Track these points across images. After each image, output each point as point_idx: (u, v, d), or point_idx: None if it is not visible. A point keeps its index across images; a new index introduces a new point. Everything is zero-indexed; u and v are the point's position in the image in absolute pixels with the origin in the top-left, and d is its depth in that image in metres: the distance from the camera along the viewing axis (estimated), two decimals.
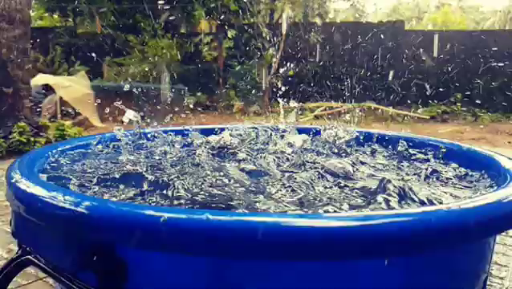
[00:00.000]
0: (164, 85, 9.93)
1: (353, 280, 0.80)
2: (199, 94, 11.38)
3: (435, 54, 11.13)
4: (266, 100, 11.28)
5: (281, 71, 11.65)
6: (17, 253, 0.98)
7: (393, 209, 0.94)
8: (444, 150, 1.45)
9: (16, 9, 6.00)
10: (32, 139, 5.91)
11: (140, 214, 0.76)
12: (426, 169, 1.29)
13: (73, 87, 8.52)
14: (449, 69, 11.07)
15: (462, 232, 0.85)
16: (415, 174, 1.28)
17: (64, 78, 9.69)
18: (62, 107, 8.23)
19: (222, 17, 12.07)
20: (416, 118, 10.23)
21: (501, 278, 2.55)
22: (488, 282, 1.08)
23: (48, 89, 8.33)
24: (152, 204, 0.98)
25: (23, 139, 5.81)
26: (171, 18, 11.79)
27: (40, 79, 8.42)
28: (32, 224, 0.90)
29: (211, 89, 11.52)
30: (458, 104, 10.84)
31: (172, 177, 1.12)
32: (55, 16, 13.92)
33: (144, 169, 1.15)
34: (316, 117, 10.11)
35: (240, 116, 10.25)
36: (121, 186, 1.06)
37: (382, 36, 11.35)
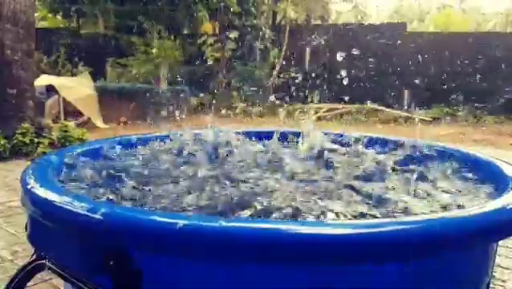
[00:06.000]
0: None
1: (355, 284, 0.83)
2: (202, 95, 11.40)
3: (437, 56, 11.14)
4: (268, 102, 11.29)
5: (283, 72, 11.66)
6: (31, 257, 1.00)
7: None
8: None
9: (20, 10, 6.03)
10: (35, 140, 5.92)
11: (156, 221, 0.79)
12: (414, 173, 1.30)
13: (76, 87, 8.54)
14: (451, 70, 11.08)
15: (466, 238, 0.87)
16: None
17: (67, 79, 9.72)
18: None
19: (225, 18, 12.10)
20: (419, 120, 10.22)
21: (504, 281, 2.56)
22: (491, 285, 1.10)
23: (51, 90, 8.35)
24: (167, 210, 1.00)
25: (26, 140, 5.82)
26: (174, 20, 11.83)
27: (43, 80, 8.43)
28: (48, 229, 0.92)
29: (214, 90, 11.54)
30: (460, 106, 10.84)
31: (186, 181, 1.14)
32: (59, 17, 13.95)
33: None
34: (319, 118, 10.12)
35: (243, 117, 10.27)
36: (137, 191, 1.07)
37: (384, 38, 11.37)
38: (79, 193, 1.01)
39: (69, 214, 0.84)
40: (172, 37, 11.95)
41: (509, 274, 2.64)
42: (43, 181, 0.99)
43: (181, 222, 0.75)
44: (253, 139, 1.58)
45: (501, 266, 2.70)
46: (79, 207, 0.83)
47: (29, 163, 1.17)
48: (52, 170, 1.14)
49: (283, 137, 1.63)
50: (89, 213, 0.81)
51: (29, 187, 0.97)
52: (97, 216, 0.80)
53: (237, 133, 1.55)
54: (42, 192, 0.92)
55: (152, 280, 0.82)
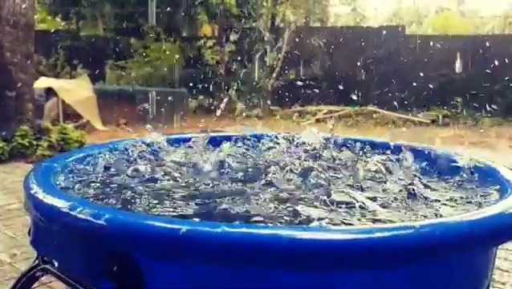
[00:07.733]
0: None
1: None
2: (201, 97, 11.41)
3: (435, 59, 11.17)
4: (267, 104, 11.31)
5: (283, 74, 11.67)
6: (34, 262, 1.01)
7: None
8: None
9: (20, 13, 6.03)
10: (34, 142, 5.92)
11: (159, 226, 0.79)
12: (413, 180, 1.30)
13: (75, 90, 8.53)
14: (450, 73, 11.09)
15: (466, 242, 0.88)
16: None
17: (67, 81, 9.71)
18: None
19: (225, 21, 12.11)
20: (417, 122, 10.24)
21: (503, 284, 2.57)
22: (490, 287, 1.10)
23: (50, 92, 8.34)
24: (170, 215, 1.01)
25: (25, 142, 5.82)
26: (174, 22, 11.84)
27: (43, 82, 8.43)
28: (51, 234, 0.92)
29: (213, 93, 11.55)
30: (459, 108, 10.86)
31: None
32: (58, 19, 13.93)
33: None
34: (318, 121, 10.14)
35: (242, 119, 10.27)
36: (139, 196, 1.08)
37: (383, 40, 11.39)
38: (81, 197, 1.02)
39: (72, 219, 0.85)
40: (172, 39, 11.96)
41: (509, 276, 2.65)
42: (46, 186, 0.99)
43: (184, 228, 0.76)
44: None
45: (500, 269, 2.71)
46: (83, 212, 0.84)
47: (28, 165, 1.18)
48: (55, 175, 1.14)
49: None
50: (92, 219, 0.82)
51: (32, 192, 0.97)
52: (100, 221, 0.80)
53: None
54: (46, 197, 0.92)
55: (155, 285, 0.82)
